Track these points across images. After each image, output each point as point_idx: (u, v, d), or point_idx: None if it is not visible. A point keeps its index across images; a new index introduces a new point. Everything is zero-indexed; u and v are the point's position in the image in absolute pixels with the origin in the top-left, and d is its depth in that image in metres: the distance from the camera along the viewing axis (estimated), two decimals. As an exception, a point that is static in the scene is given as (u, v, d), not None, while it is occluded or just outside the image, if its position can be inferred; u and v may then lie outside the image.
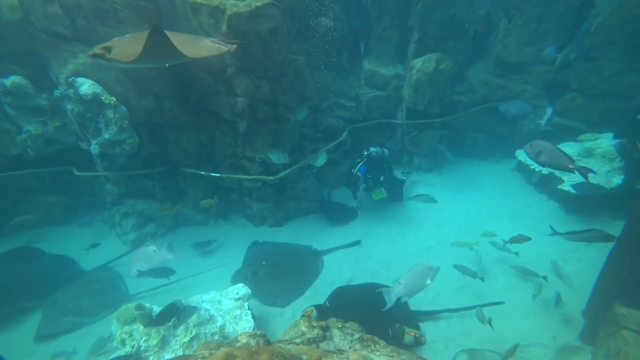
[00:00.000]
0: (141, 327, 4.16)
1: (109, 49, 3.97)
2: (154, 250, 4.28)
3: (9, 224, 5.54)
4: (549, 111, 6.49)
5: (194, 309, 4.18)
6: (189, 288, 5.33)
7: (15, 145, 5.84)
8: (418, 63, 7.22)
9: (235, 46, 4.42)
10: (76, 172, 6.03)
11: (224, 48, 4.31)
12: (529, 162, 6.72)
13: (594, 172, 4.26)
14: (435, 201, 6.30)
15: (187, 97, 6.44)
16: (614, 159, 6.08)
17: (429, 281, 3.62)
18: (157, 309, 4.30)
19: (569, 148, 6.71)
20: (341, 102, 7.93)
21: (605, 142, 6.48)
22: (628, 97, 6.26)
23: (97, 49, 4.01)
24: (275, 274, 5.54)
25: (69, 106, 5.40)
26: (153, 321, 4.03)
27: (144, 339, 4.08)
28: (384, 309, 3.55)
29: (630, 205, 3.61)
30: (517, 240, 4.91)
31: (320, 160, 6.78)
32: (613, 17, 6.57)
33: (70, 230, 6.71)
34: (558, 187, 6.06)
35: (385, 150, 6.75)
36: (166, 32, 3.68)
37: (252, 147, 6.50)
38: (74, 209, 6.90)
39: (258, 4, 5.50)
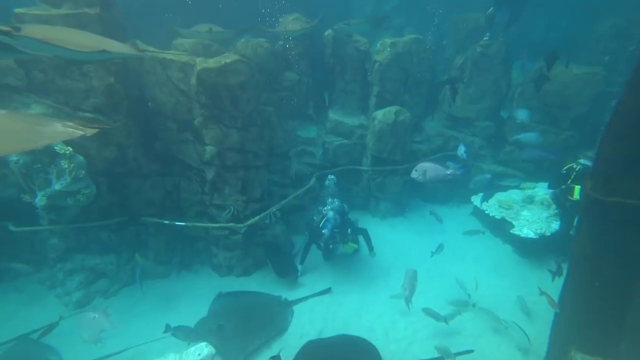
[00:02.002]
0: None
1: None
2: (94, 317, 4.08)
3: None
4: (523, 114, 7.27)
5: None
6: (141, 354, 4.82)
7: None
8: (379, 115, 7.79)
9: (96, 130, 4.05)
10: (12, 228, 5.38)
11: (79, 133, 3.88)
12: (484, 207, 7.29)
13: (466, 169, 5.23)
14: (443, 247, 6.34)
15: (152, 146, 6.33)
16: (550, 205, 6.86)
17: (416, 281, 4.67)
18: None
19: (514, 195, 7.53)
20: (309, 149, 8.20)
21: (542, 190, 7.37)
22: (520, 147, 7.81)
23: None
24: (242, 328, 5.20)
25: (13, 157, 4.96)
26: None
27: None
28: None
29: (570, 251, 4.00)
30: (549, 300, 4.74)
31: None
32: (528, 89, 7.98)
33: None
34: (510, 231, 6.59)
35: (345, 205, 6.70)
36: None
37: (220, 194, 6.42)
38: (2, 271, 6.04)
39: (227, 61, 5.79)
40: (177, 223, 6.24)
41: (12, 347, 4.83)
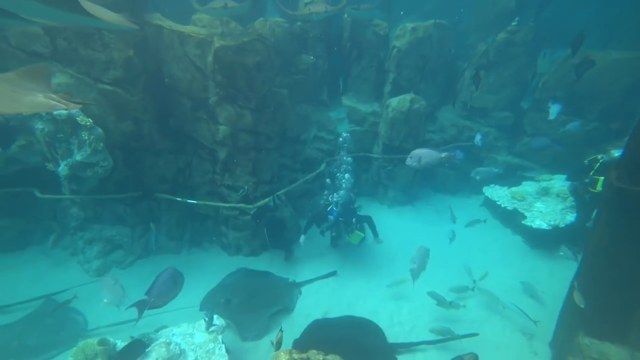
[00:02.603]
0: (102, 365, 3.81)
1: None
2: (114, 284, 4.18)
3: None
4: (556, 108, 6.95)
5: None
6: (155, 322, 4.96)
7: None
8: (394, 102, 7.70)
9: (79, 105, 3.85)
10: (38, 195, 5.61)
11: (61, 106, 3.72)
12: (495, 198, 7.23)
13: (460, 154, 5.29)
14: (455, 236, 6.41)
15: (166, 122, 6.40)
16: (566, 198, 6.73)
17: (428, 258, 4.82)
18: (121, 345, 3.98)
19: (529, 187, 7.40)
20: (320, 134, 8.18)
21: (559, 182, 7.19)
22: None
23: None
24: (249, 304, 5.31)
25: (39, 125, 5.11)
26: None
27: (103, 379, 3.73)
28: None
29: (584, 242, 3.98)
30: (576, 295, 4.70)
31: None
32: (553, 79, 7.66)
33: (23, 256, 6.13)
34: (521, 222, 6.53)
35: (352, 194, 6.67)
36: None
37: (231, 174, 6.49)
38: (29, 234, 6.35)
39: (245, 39, 5.78)
40: (189, 201, 6.35)
41: (41, 306, 5.13)
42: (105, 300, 4.05)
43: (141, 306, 3.71)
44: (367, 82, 8.45)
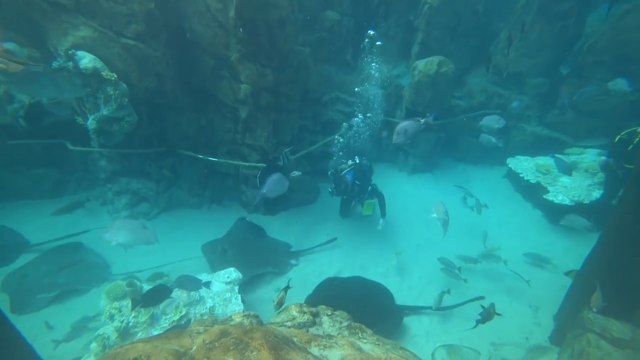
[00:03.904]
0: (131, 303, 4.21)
1: None
2: (144, 227, 4.22)
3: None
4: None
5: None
6: (177, 271, 5.33)
7: (5, 114, 5.61)
8: (421, 64, 7.31)
9: (22, 66, 3.75)
10: (70, 147, 5.93)
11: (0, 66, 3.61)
12: (519, 170, 6.96)
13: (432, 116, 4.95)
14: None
15: (189, 80, 6.41)
16: (596, 173, 6.38)
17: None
18: (147, 288, 4.34)
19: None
20: (342, 96, 7.99)
21: (589, 157, 6.79)
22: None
23: None
24: (241, 260, 5.38)
25: (67, 79, 5.29)
26: (142, 302, 3.96)
27: (132, 315, 4.13)
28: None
29: (606, 220, 3.86)
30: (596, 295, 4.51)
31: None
32: (604, 39, 6.85)
33: (60, 203, 6.57)
34: (543, 196, 6.32)
35: (372, 166, 6.52)
36: None
37: (252, 134, 6.54)
38: (64, 184, 6.80)
39: (268, -7, 5.50)
40: (210, 158, 6.52)
41: (69, 247, 5.60)
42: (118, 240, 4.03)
43: (257, 193, 4.85)
44: (393, 41, 8.01)
